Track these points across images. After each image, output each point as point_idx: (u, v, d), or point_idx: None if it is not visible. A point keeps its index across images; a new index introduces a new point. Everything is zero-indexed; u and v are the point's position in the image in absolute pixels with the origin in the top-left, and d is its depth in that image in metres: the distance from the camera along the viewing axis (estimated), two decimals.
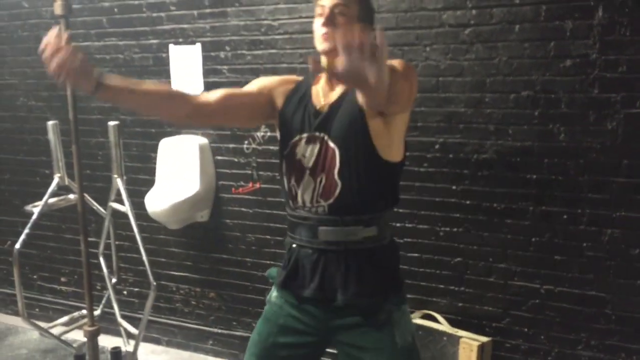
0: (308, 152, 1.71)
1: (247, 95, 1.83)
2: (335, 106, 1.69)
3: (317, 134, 1.70)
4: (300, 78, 1.86)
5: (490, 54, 2.56)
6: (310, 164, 1.71)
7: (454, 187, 2.72)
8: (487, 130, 2.62)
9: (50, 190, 2.74)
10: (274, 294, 1.84)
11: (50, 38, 1.47)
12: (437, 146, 2.72)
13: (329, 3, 1.63)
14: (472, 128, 2.64)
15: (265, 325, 1.81)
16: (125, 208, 2.77)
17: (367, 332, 1.69)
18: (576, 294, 2.58)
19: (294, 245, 1.77)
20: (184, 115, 1.76)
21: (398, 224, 2.80)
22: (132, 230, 2.78)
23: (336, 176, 1.67)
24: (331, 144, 1.68)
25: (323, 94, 1.74)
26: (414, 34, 2.68)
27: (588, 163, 2.48)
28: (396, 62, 1.55)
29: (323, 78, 1.76)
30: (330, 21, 1.62)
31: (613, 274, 2.51)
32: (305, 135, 1.72)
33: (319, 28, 1.65)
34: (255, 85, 1.86)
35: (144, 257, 2.65)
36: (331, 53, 1.55)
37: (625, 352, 2.53)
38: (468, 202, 2.70)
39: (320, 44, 1.65)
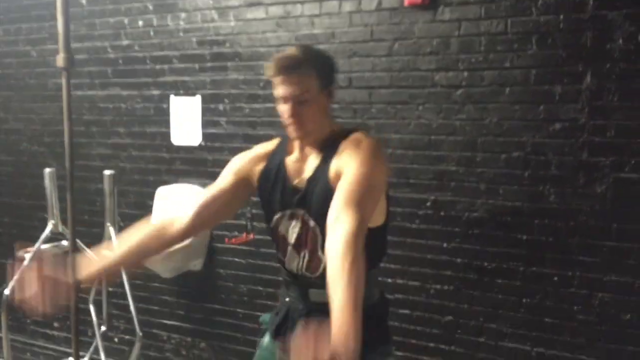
0: (290, 229, 1.74)
1: (223, 193, 1.82)
2: (312, 181, 1.69)
3: (298, 211, 1.72)
4: (272, 146, 1.84)
5: (482, 115, 2.60)
6: (293, 240, 1.74)
7: (444, 245, 2.72)
8: (478, 189, 2.64)
9: (43, 236, 2.76)
10: (265, 339, 1.88)
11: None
12: (428, 203, 2.73)
13: (290, 93, 1.61)
14: (464, 187, 2.66)
15: None
16: None
17: None
18: (567, 358, 2.54)
19: (287, 299, 1.82)
20: (174, 243, 1.81)
21: (389, 280, 2.80)
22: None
23: (319, 252, 1.68)
24: (311, 222, 1.69)
25: (298, 167, 1.74)
26: (407, 93, 2.73)
27: (578, 225, 2.47)
28: (362, 170, 1.54)
29: (296, 148, 1.76)
30: (295, 112, 1.62)
31: (604, 339, 2.47)
32: (287, 212, 1.75)
33: (286, 117, 1.66)
34: (229, 175, 1.84)
35: (131, 306, 2.66)
36: (305, 140, 1.68)
37: None
38: (459, 260, 2.70)
39: (291, 134, 1.68)
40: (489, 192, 2.62)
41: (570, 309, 2.51)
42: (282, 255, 1.78)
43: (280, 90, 1.63)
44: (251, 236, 3.11)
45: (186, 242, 1.88)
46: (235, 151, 3.07)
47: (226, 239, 3.18)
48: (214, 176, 1.94)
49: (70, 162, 2.47)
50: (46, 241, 2.84)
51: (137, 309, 2.90)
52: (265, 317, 2.08)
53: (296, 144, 1.75)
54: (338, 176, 1.57)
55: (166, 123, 3.32)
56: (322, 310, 1.67)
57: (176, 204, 3.11)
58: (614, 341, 2.46)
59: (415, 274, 2.79)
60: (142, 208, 3.38)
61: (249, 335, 3.21)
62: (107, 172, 2.88)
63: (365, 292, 1.69)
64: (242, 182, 1.82)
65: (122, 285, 3.29)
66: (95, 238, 3.29)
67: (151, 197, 3.28)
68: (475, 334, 2.71)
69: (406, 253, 2.78)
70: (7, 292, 2.65)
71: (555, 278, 2.52)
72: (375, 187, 1.56)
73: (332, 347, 1.14)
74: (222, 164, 3.11)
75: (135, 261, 1.84)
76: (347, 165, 1.57)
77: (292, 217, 1.74)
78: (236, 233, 3.16)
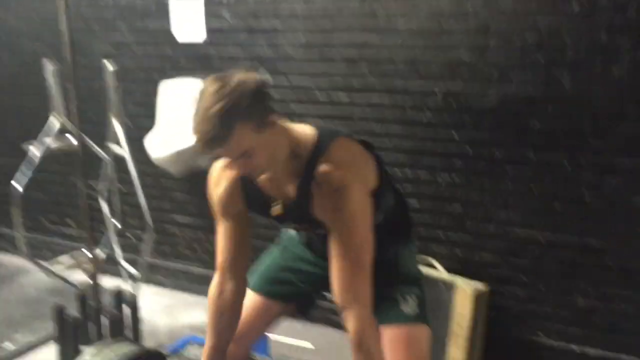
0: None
1: (235, 233, 1.71)
2: (290, 211, 1.59)
3: (290, 224, 1.75)
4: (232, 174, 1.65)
5: None
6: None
7: (455, 135, 2.68)
8: (491, 77, 2.56)
9: (45, 128, 2.73)
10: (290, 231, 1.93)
11: None
12: (438, 94, 2.67)
13: (228, 158, 1.44)
14: (475, 75, 2.59)
15: (277, 249, 1.96)
16: (123, 150, 2.78)
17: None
18: (575, 242, 2.57)
19: None
20: (239, 305, 1.77)
21: (398, 170, 2.79)
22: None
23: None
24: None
25: (273, 186, 1.59)
26: None
27: (592, 110, 2.42)
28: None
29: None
30: (242, 165, 1.44)
31: (613, 224, 2.49)
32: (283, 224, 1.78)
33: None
34: (222, 218, 1.71)
35: (141, 198, 2.67)
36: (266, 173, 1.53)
37: (623, 300, 2.53)
38: (469, 149, 2.67)
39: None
40: (502, 79, 2.55)
41: (580, 193, 2.51)
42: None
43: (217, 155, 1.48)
44: None
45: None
46: (239, 45, 3.02)
47: None
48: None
49: (70, 53, 2.43)
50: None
51: (149, 206, 2.91)
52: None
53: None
54: (322, 219, 1.52)
55: (167, 17, 3.21)
56: None
57: (181, 98, 3.06)
58: (623, 225, 2.47)
59: (425, 165, 2.78)
60: (147, 106, 3.33)
61: (260, 228, 3.26)
62: (109, 65, 2.80)
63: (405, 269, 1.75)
64: (237, 215, 1.69)
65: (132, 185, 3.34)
66: (102, 136, 3.29)
67: (156, 94, 3.23)
68: (485, 222, 2.73)
69: (416, 144, 2.76)
70: (19, 188, 2.66)
71: (566, 162, 2.50)
72: (366, 251, 1.49)
73: None
74: (227, 60, 3.08)
75: (229, 339, 1.80)
76: (332, 226, 1.50)
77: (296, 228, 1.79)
78: None
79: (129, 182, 3.34)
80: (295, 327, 3.20)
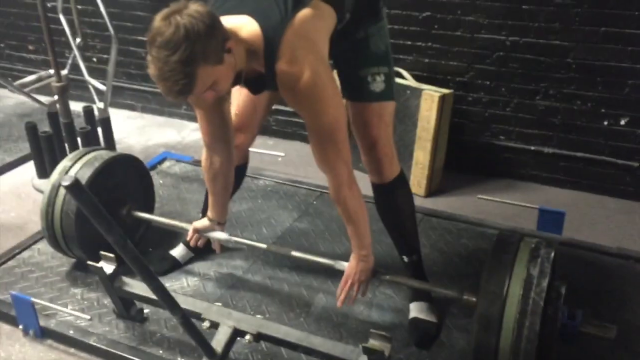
0: None
1: (213, 112, 1.77)
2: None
3: None
4: None
5: None
6: None
7: None
8: None
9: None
10: None
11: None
12: None
13: (195, 97, 1.48)
14: None
15: None
16: None
17: (347, 43, 1.74)
18: (540, 44, 2.60)
19: None
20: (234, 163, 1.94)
21: None
22: None
23: None
24: None
25: None
26: None
27: None
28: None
29: None
30: (211, 97, 1.48)
31: (578, 22, 2.50)
32: None
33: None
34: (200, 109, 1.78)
35: (103, 11, 2.57)
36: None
37: (580, 99, 2.62)
38: None
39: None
40: None
41: None
42: None
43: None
44: None
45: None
46: None
47: None
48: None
49: None
50: None
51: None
52: None
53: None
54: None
55: None
56: None
57: None
58: (588, 23, 2.49)
59: None
60: None
61: None
62: None
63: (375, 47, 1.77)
64: (211, 105, 1.74)
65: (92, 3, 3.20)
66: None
67: None
68: (452, 29, 2.72)
69: None
70: None
71: None
72: (338, 130, 1.56)
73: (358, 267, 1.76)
74: None
75: (228, 197, 1.99)
76: (299, 111, 1.59)
77: None
78: None
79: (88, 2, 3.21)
80: (268, 142, 3.30)
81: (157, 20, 1.34)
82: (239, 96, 1.90)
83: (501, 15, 2.61)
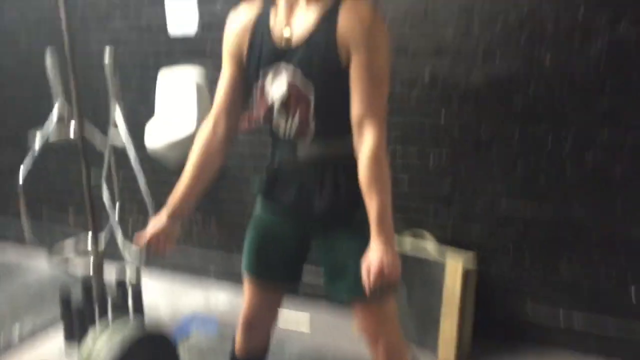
0: (275, 88, 1.67)
1: (236, 80, 1.76)
2: (311, 40, 1.60)
3: (287, 66, 1.63)
4: (256, 10, 1.72)
5: None
6: (278, 103, 1.67)
7: (443, 111, 2.78)
8: (475, 55, 2.67)
9: (51, 117, 2.81)
10: (257, 205, 1.89)
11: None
12: (426, 72, 2.77)
13: None
14: (461, 54, 2.69)
15: (253, 233, 1.90)
16: (123, 135, 2.85)
17: (342, 231, 1.73)
18: (559, 217, 2.68)
19: (275, 159, 1.79)
20: (225, 151, 1.80)
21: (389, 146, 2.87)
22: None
23: (310, 121, 1.65)
24: (301, 83, 1.62)
25: (286, 21, 1.64)
26: None
27: (572, 84, 2.53)
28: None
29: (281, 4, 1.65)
30: None
31: (595, 195, 2.59)
32: (271, 69, 1.66)
33: None
34: (228, 60, 1.76)
35: (141, 183, 2.74)
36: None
37: (607, 266, 2.64)
38: (456, 126, 2.77)
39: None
40: (486, 58, 2.65)
41: (563, 166, 2.62)
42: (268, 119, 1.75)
43: None
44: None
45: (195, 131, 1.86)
46: None
47: None
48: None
49: (69, 41, 2.49)
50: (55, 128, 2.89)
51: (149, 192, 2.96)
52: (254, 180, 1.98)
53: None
54: (346, 50, 1.55)
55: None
56: (311, 164, 1.69)
57: (180, 86, 3.12)
58: (604, 196, 2.58)
59: (415, 140, 2.88)
60: (144, 94, 3.40)
61: None
62: (109, 53, 2.87)
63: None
64: (239, 59, 1.74)
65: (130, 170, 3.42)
66: (103, 121, 3.37)
67: (153, 82, 3.31)
68: (472, 196, 2.83)
69: (406, 119, 2.86)
70: (21, 180, 2.74)
71: (550, 137, 2.61)
72: (386, 81, 1.60)
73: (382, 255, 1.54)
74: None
75: (205, 188, 1.82)
76: (356, 49, 1.55)
77: (277, 73, 1.65)
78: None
79: (128, 168, 3.43)
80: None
81: None
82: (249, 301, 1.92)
83: (519, 186, 2.72)
